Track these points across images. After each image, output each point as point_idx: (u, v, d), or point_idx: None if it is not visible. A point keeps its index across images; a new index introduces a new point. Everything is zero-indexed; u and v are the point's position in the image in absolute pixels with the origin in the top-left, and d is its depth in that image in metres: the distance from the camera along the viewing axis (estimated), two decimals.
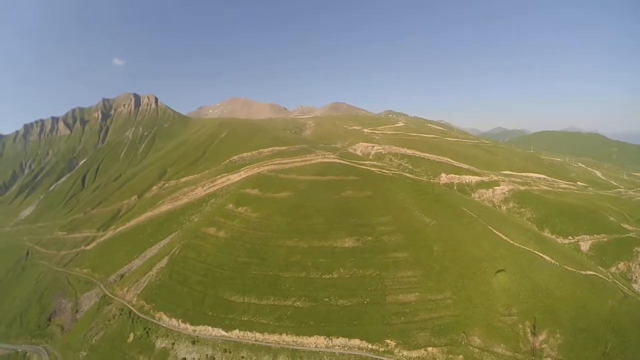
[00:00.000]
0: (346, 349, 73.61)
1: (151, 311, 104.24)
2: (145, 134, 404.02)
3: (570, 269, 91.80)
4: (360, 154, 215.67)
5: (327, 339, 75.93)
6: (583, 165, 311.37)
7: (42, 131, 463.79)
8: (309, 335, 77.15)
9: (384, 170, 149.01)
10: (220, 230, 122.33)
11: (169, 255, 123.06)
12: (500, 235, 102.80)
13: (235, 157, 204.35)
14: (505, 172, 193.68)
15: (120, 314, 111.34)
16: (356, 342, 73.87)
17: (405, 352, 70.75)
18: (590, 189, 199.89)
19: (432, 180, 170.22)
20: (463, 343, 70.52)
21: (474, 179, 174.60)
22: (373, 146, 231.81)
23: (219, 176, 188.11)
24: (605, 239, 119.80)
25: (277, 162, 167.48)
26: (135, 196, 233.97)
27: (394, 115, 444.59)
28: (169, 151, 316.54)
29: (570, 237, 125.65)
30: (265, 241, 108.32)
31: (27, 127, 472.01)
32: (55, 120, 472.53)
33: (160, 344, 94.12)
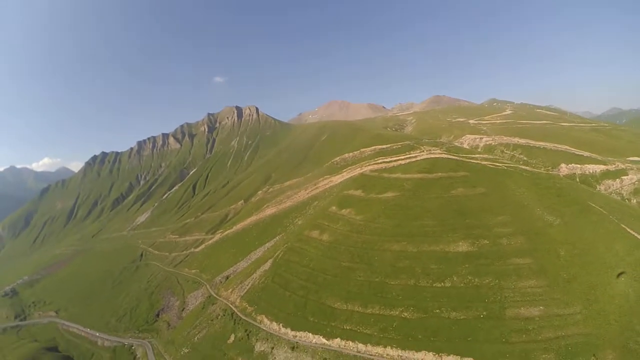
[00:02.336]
0: None
1: (253, 313, 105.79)
2: (249, 142, 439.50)
3: None
4: (467, 147, 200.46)
5: (436, 355, 67.78)
6: None
7: (155, 146, 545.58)
8: (416, 351, 69.96)
9: (496, 164, 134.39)
10: (324, 233, 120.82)
11: (272, 258, 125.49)
12: (636, 235, 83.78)
13: (337, 158, 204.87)
14: (631, 158, 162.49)
15: (223, 315, 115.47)
16: None
17: None
18: None
19: (551, 172, 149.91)
20: None
21: (598, 168, 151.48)
22: (481, 138, 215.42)
23: (321, 178, 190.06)
24: None
25: (379, 161, 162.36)
26: (242, 201, 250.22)
27: (499, 104, 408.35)
28: (272, 157, 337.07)
29: None
30: (370, 245, 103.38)
31: (141, 144, 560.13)
32: (165, 136, 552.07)
33: (259, 347, 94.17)
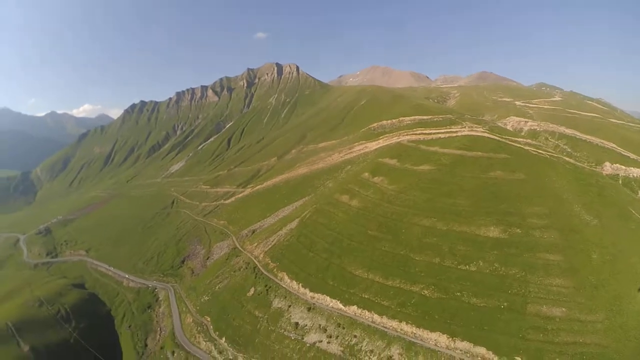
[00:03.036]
0: (468, 355, 63.51)
1: (275, 270, 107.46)
2: (287, 100, 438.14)
3: None
4: (511, 129, 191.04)
5: (450, 338, 66.57)
6: None
7: (193, 98, 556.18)
8: (431, 330, 69.09)
9: (539, 151, 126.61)
10: (354, 199, 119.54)
11: (299, 218, 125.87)
12: None
13: (375, 124, 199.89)
14: None
15: (246, 268, 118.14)
16: (482, 350, 63.03)
17: None
18: None
19: (594, 169, 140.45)
20: None
21: None
22: (526, 122, 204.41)
23: (356, 143, 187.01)
24: None
25: (418, 131, 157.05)
26: (275, 158, 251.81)
27: (547, 89, 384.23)
28: (309, 117, 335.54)
29: None
30: (399, 216, 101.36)
31: (179, 95, 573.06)
32: (204, 88, 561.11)
33: (277, 303, 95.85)
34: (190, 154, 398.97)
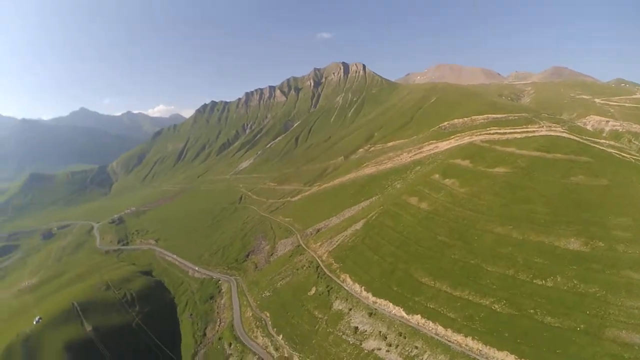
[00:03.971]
0: None
1: (337, 271, 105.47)
2: (354, 99, 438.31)
3: None
4: (591, 129, 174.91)
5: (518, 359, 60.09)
6: None
7: (261, 98, 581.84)
8: (498, 349, 62.66)
9: (623, 154, 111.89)
10: (423, 201, 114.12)
11: (365, 219, 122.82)
12: None
13: (445, 123, 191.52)
14: None
15: (309, 266, 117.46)
16: None
17: None
18: None
19: None
20: None
21: None
22: (607, 121, 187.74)
23: (426, 143, 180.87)
24: None
25: (492, 131, 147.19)
26: (342, 157, 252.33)
27: (627, 85, 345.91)
28: (377, 116, 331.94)
29: None
30: (471, 222, 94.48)
31: (248, 95, 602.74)
32: (272, 88, 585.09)
33: (337, 305, 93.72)
34: (259, 152, 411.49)
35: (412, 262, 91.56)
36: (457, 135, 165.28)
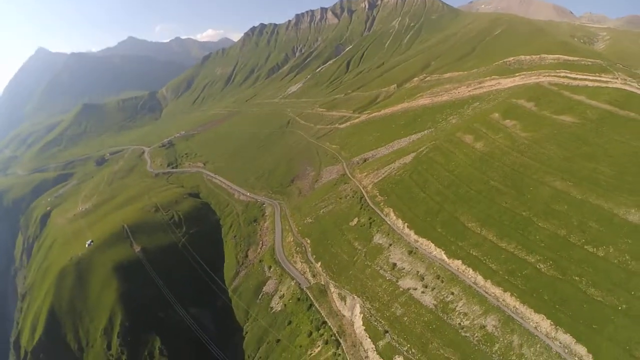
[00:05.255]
0: (567, 351, 53.38)
1: (381, 204, 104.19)
2: (412, 24, 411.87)
3: None
4: None
5: (553, 326, 56.47)
6: None
7: (312, 20, 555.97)
8: (536, 311, 59.43)
9: None
10: (479, 141, 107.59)
11: (415, 152, 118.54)
12: None
13: (511, 58, 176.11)
14: None
15: (352, 196, 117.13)
16: (582, 350, 52.34)
17: None
18: None
19: None
20: None
21: None
22: None
23: (487, 77, 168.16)
24: None
25: (562, 74, 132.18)
26: (395, 85, 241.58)
27: None
28: (435, 44, 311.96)
29: None
30: (529, 171, 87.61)
31: (299, 17, 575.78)
32: (324, 10, 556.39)
33: (378, 239, 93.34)
34: (308, 76, 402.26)
35: (460, 205, 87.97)
36: (523, 73, 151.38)
